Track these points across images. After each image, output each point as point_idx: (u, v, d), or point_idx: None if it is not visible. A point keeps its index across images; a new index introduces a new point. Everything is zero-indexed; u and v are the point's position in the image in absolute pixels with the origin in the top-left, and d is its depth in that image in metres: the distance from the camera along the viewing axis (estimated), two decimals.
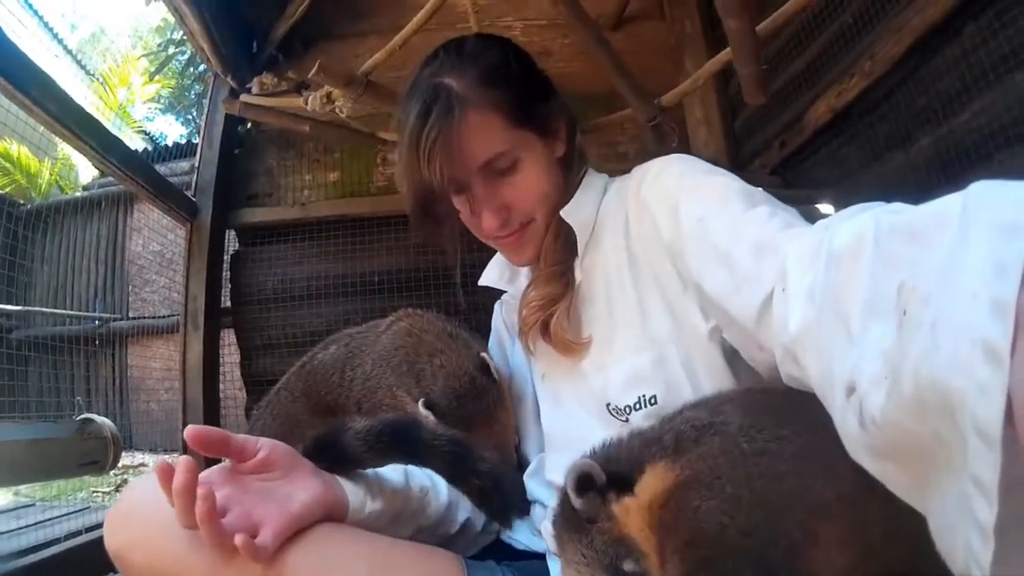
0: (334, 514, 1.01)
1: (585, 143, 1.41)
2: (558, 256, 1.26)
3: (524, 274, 1.39)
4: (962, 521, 0.46)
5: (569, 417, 1.23)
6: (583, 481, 0.89)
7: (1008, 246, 0.43)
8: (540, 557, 1.22)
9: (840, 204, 0.78)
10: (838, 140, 2.31)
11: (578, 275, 1.24)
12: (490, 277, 1.48)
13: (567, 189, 1.28)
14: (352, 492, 1.06)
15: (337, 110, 1.96)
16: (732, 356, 1.06)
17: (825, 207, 2.15)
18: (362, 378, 1.59)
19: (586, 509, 0.89)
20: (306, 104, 2.03)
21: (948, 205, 0.54)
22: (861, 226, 0.66)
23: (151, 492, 0.90)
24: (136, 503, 0.97)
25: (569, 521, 0.93)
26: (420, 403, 1.40)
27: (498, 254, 1.46)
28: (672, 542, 0.85)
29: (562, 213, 1.23)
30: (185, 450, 2.60)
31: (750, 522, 0.80)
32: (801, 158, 2.46)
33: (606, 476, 0.89)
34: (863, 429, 0.58)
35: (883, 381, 0.54)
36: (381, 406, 1.52)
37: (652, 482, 0.88)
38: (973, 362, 0.42)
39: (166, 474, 0.84)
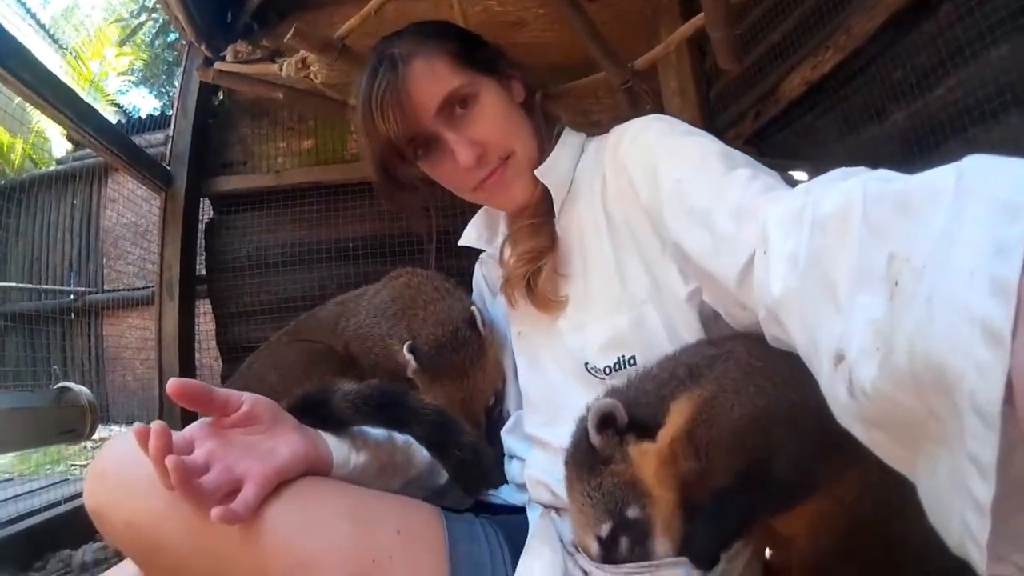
0: (317, 469, 1.01)
1: (558, 107, 1.41)
2: (540, 209, 1.26)
3: (502, 233, 1.39)
4: (957, 497, 0.47)
5: (545, 375, 1.24)
6: (605, 419, 0.90)
7: (1008, 227, 0.43)
8: (518, 511, 1.24)
9: (814, 175, 0.79)
10: (812, 113, 2.32)
11: (557, 233, 1.25)
12: (469, 237, 1.48)
13: (540, 143, 1.28)
14: (336, 447, 1.06)
15: (312, 76, 1.95)
16: (708, 321, 1.08)
17: (800, 175, 2.17)
18: (355, 327, 1.61)
19: (603, 448, 0.91)
20: (281, 70, 2.02)
21: (940, 177, 0.54)
22: (848, 193, 0.66)
23: (127, 451, 0.89)
24: (112, 462, 0.96)
25: (581, 461, 0.95)
26: (404, 347, 1.42)
27: (477, 215, 1.47)
28: (722, 454, 0.88)
29: (536, 173, 1.22)
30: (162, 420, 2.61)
31: (783, 398, 0.86)
32: (776, 129, 2.47)
33: (628, 419, 0.91)
34: (853, 399, 0.58)
35: (874, 352, 0.55)
36: (370, 354, 1.54)
37: (675, 419, 0.90)
38: (972, 341, 0.42)
39: (143, 437, 0.83)
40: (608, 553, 0.94)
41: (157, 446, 0.82)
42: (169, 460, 0.81)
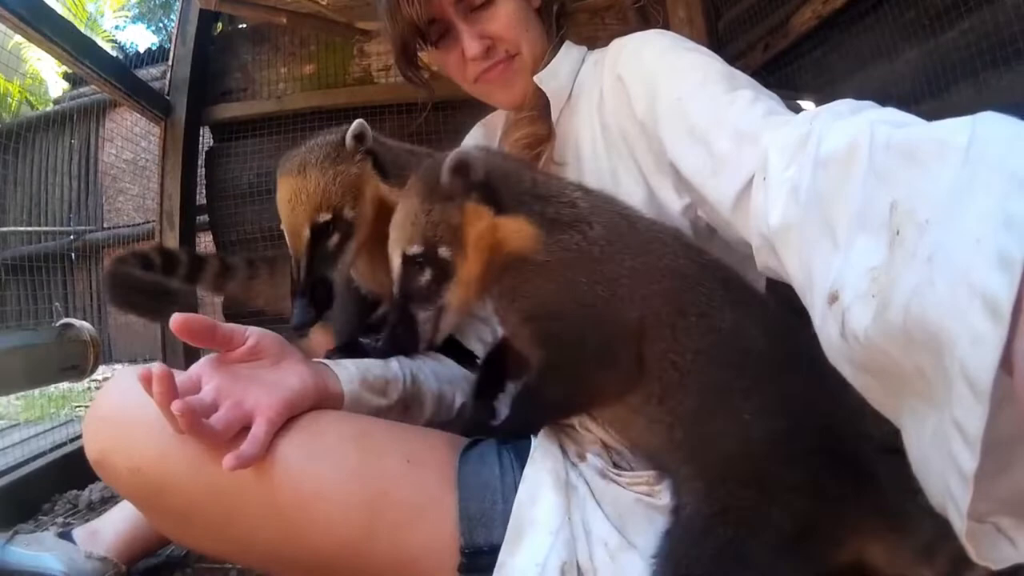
0: (327, 401, 0.99)
1: (568, 27, 1.40)
2: (539, 104, 1.27)
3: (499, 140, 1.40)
4: (940, 459, 0.47)
5: None
6: (460, 167, 0.92)
7: (1020, 202, 0.42)
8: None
9: None
10: (823, 47, 2.29)
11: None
12: (469, 146, 1.47)
13: (546, 50, 1.28)
14: (347, 381, 1.04)
15: None
16: (702, 235, 1.07)
17: (807, 105, 2.14)
18: None
19: (448, 188, 0.93)
20: None
21: (952, 132, 0.52)
22: (855, 131, 0.64)
23: (127, 393, 0.88)
24: (112, 407, 0.95)
25: (427, 185, 0.96)
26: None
27: (474, 128, 1.49)
28: (514, 313, 0.95)
29: (536, 79, 1.23)
30: (165, 359, 2.62)
31: (588, 298, 0.88)
32: (784, 62, 2.44)
33: (486, 183, 0.93)
34: (844, 341, 0.58)
35: (870, 299, 0.54)
36: None
37: (514, 228, 0.93)
38: (970, 310, 0.42)
39: (147, 382, 0.80)
40: (406, 275, 0.96)
41: (161, 391, 0.80)
42: (175, 405, 0.78)
